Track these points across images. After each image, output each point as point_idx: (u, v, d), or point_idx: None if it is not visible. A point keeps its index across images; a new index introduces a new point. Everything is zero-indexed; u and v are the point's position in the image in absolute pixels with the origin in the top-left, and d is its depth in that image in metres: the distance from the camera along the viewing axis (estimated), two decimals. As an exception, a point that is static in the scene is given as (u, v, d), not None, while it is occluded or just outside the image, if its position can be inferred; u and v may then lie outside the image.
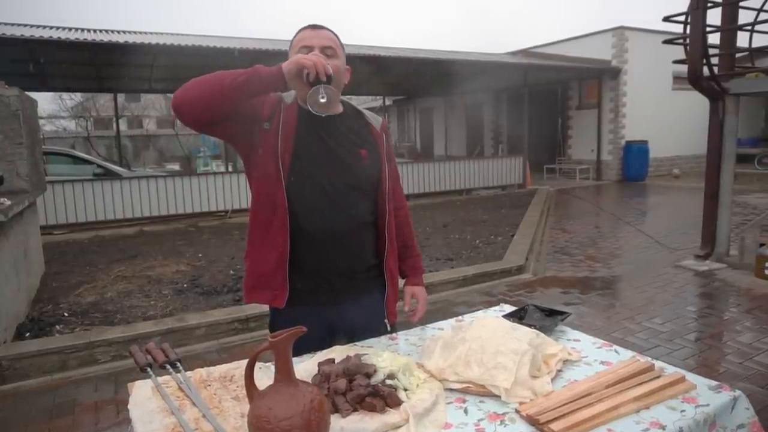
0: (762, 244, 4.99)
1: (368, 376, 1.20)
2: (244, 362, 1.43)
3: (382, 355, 1.29)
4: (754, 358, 3.31)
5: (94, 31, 10.86)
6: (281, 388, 0.97)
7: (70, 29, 10.63)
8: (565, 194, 11.77)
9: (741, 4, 5.27)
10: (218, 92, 1.34)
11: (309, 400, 0.96)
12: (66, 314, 4.33)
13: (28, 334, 3.86)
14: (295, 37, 1.55)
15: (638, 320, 4.02)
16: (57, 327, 4.03)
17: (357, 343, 1.55)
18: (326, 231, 1.53)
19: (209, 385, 1.31)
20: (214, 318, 4.00)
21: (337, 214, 1.53)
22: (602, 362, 1.41)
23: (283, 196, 1.48)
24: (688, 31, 5.22)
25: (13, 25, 9.85)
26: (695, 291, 4.78)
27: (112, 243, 7.55)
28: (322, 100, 1.36)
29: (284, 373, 0.98)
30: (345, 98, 1.67)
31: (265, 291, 1.56)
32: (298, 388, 0.98)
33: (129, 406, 1.22)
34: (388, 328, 1.69)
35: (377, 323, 1.67)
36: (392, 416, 1.12)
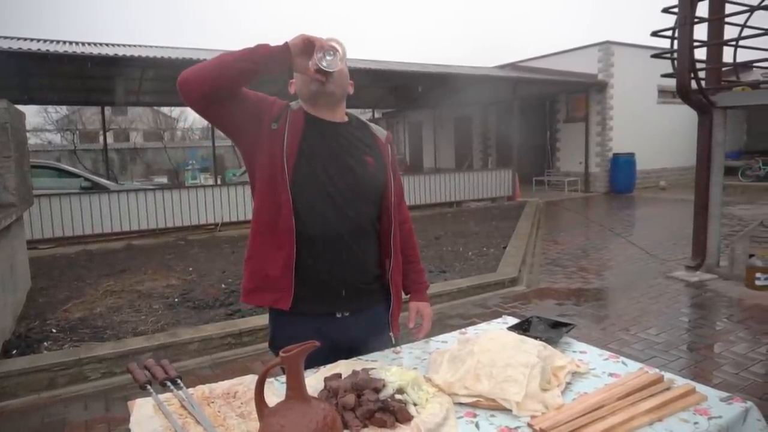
0: (752, 255, 5.05)
1: (377, 390, 1.18)
2: (247, 378, 1.40)
3: (390, 369, 1.27)
4: (750, 368, 3.32)
5: (83, 44, 10.79)
6: (293, 404, 0.95)
7: (58, 42, 10.56)
8: (555, 206, 11.85)
9: (726, 20, 5.39)
10: (224, 64, 1.36)
11: (322, 417, 0.94)
12: (54, 330, 4.23)
13: (14, 352, 3.76)
14: None
15: (633, 331, 4.02)
16: (45, 344, 3.94)
17: (361, 357, 1.53)
18: (329, 235, 1.51)
19: (212, 402, 1.27)
20: (207, 333, 3.94)
21: (340, 218, 1.51)
22: (610, 374, 1.40)
23: (288, 198, 1.47)
24: (675, 46, 5.31)
25: (0, 38, 9.76)
26: (688, 301, 4.81)
27: (100, 257, 7.43)
28: (329, 57, 1.40)
29: (296, 390, 0.95)
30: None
31: (268, 293, 1.53)
32: (310, 404, 0.95)
33: (130, 426, 1.18)
34: (393, 341, 1.67)
35: (381, 336, 1.65)
36: (404, 432, 1.09)
